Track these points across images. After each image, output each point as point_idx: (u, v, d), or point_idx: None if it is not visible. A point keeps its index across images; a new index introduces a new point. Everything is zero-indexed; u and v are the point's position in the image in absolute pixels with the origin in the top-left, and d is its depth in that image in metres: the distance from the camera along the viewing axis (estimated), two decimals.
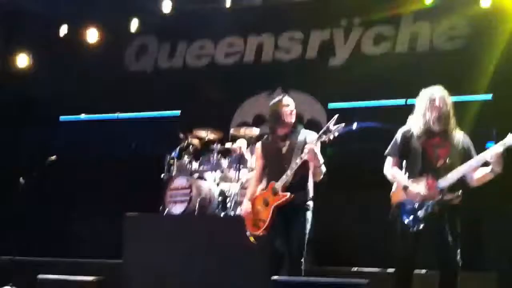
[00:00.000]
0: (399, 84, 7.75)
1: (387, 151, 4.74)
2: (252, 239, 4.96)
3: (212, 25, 9.10)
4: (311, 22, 8.89)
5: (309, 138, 4.89)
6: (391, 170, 4.66)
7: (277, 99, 5.10)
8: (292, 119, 4.98)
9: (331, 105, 8.38)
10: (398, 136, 4.71)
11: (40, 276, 6.60)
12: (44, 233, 8.28)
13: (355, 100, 8.19)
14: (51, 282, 6.59)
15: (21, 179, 7.34)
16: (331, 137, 4.70)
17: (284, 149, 4.91)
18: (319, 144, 4.77)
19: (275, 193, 4.81)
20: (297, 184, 4.82)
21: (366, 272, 5.89)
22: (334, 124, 4.71)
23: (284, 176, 4.78)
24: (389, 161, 4.71)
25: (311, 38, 8.92)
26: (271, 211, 4.80)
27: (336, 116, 4.77)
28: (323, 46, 8.82)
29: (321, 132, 4.74)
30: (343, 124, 4.72)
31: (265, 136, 5.21)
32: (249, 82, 8.95)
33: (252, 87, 8.94)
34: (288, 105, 4.99)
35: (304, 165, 4.81)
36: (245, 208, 5.01)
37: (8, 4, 9.72)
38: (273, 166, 4.95)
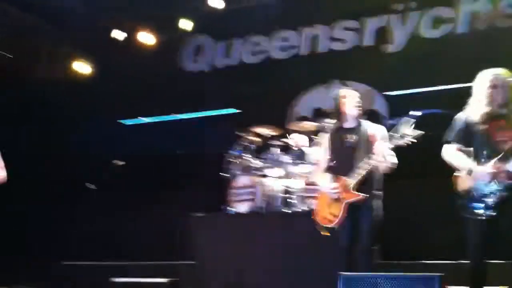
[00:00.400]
0: (460, 67, 7.50)
1: (447, 137, 4.61)
2: (324, 232, 4.92)
3: (266, 20, 9.08)
4: (366, 10, 8.72)
5: (375, 131, 4.87)
6: (453, 155, 4.52)
7: (338, 91, 5.04)
8: (355, 111, 4.91)
9: (391, 93, 8.21)
10: (458, 120, 4.57)
11: (113, 279, 6.79)
12: (112, 236, 8.49)
13: (415, 87, 7.99)
14: (124, 285, 6.77)
15: (88, 184, 7.56)
16: (409, 143, 4.60)
17: (350, 142, 4.87)
18: (389, 144, 4.68)
19: (346, 190, 4.77)
20: (367, 182, 4.79)
21: (438, 264, 5.73)
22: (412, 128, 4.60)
23: (355, 175, 4.75)
24: (449, 147, 4.57)
25: (367, 26, 8.77)
26: (343, 207, 4.79)
27: (413, 121, 4.64)
28: (380, 33, 8.65)
29: (396, 135, 4.63)
30: (422, 132, 4.61)
31: (331, 128, 5.16)
32: (305, 76, 8.88)
33: (309, 81, 8.87)
34: (350, 96, 4.91)
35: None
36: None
37: (69, 13, 10.01)
38: (340, 159, 4.92)
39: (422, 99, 7.69)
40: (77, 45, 10.19)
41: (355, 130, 4.89)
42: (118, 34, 9.88)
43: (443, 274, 4.14)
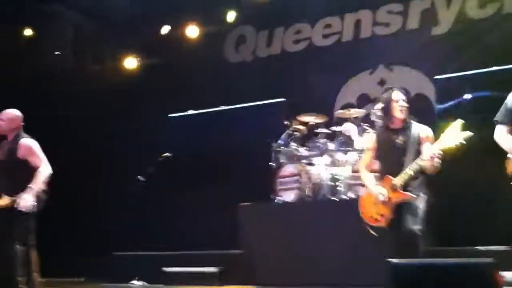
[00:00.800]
0: (509, 47, 7.29)
1: (497, 118, 4.50)
2: (372, 232, 4.90)
3: (307, 7, 9.02)
4: None
5: (424, 133, 4.83)
6: (504, 138, 4.40)
7: (387, 93, 5.00)
8: (403, 115, 4.87)
9: (438, 77, 8.04)
10: (510, 101, 4.44)
11: (165, 268, 6.94)
12: (163, 227, 8.64)
13: (463, 70, 7.79)
14: (175, 274, 6.92)
15: (139, 177, 7.70)
16: (458, 144, 4.53)
17: (398, 143, 4.85)
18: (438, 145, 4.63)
19: (394, 189, 4.74)
20: (415, 182, 4.76)
21: (490, 251, 5.61)
22: (461, 130, 4.53)
23: (403, 175, 4.71)
24: (500, 128, 4.46)
25: (411, 8, 8.59)
26: (391, 207, 4.76)
27: (460, 121, 4.56)
28: (425, 15, 8.46)
29: (445, 137, 4.57)
30: (471, 134, 4.52)
31: (379, 126, 5.17)
32: (349, 62, 8.79)
33: (353, 67, 8.78)
34: (398, 101, 4.89)
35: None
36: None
37: (115, 8, 10.20)
38: (387, 159, 4.91)
39: (471, 82, 7.50)
40: (125, 40, 10.37)
41: (403, 131, 4.87)
42: (165, 28, 10.01)
43: (495, 260, 4.05)
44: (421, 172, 4.74)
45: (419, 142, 4.79)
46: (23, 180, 5.27)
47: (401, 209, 4.73)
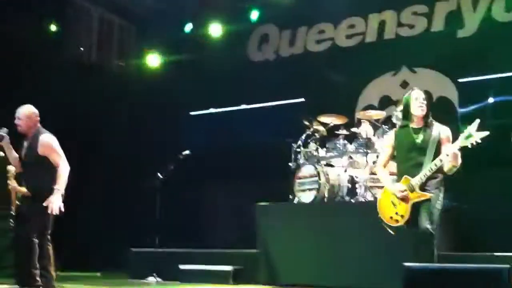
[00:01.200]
0: None
1: None
2: (391, 231, 4.86)
3: (331, 7, 8.96)
4: None
5: (443, 132, 4.78)
6: None
7: (407, 93, 4.95)
8: (421, 112, 4.84)
9: (462, 80, 7.93)
10: None
11: (182, 266, 6.96)
12: (181, 224, 8.67)
13: (488, 73, 7.67)
14: (191, 272, 6.93)
15: (158, 174, 7.73)
16: (474, 143, 4.47)
17: (418, 142, 4.81)
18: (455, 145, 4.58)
19: (412, 190, 4.71)
20: (433, 183, 4.71)
21: (507, 257, 5.50)
22: (477, 130, 4.47)
23: (422, 175, 4.69)
24: None
25: (436, 10, 8.48)
26: (409, 207, 4.73)
27: (477, 121, 4.50)
28: (450, 17, 8.35)
29: (462, 137, 4.52)
30: (487, 133, 4.47)
31: (398, 125, 5.10)
32: (372, 63, 8.71)
33: (375, 68, 8.70)
34: (417, 98, 4.86)
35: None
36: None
37: (138, 6, 10.28)
38: (406, 158, 4.86)
39: (495, 85, 7.38)
40: (148, 38, 10.43)
41: (423, 130, 4.84)
42: (188, 26, 10.05)
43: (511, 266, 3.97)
44: (439, 171, 4.70)
45: (439, 143, 4.76)
46: (44, 177, 5.33)
47: (418, 209, 4.71)
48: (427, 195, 4.67)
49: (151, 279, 7.41)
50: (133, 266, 7.88)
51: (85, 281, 7.30)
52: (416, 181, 4.69)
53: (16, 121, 5.44)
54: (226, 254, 7.30)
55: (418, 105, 4.84)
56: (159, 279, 7.37)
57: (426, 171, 4.67)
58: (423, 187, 4.69)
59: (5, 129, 5.41)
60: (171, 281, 7.15)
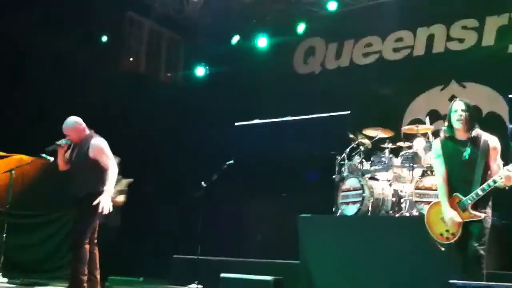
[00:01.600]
0: None
1: None
2: (442, 248, 4.74)
3: (379, 20, 8.92)
4: (486, 8, 8.31)
5: (492, 143, 4.62)
6: None
7: (452, 103, 4.82)
8: (459, 125, 4.65)
9: None
10: None
11: (223, 274, 6.97)
12: (223, 233, 8.70)
13: None
14: (232, 281, 6.92)
15: (202, 183, 7.79)
16: None
17: (465, 156, 4.63)
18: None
19: (464, 209, 4.56)
20: (484, 201, 4.57)
21: None
22: None
23: (474, 195, 4.52)
24: None
25: (487, 24, 8.35)
26: (461, 226, 4.57)
27: None
28: (501, 32, 8.20)
29: None
30: None
31: (444, 137, 4.89)
32: (420, 77, 8.63)
33: (423, 82, 8.60)
34: (456, 110, 4.68)
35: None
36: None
37: (186, 19, 10.47)
38: (454, 174, 4.68)
39: None
40: (196, 50, 10.59)
41: (470, 144, 4.65)
42: (235, 38, 10.17)
43: None
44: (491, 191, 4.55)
45: (487, 155, 4.58)
46: (94, 180, 5.45)
47: (468, 228, 4.57)
48: (479, 215, 4.52)
49: (192, 286, 7.45)
50: (174, 273, 7.94)
51: (128, 286, 7.39)
52: (469, 200, 4.53)
53: (66, 136, 5.63)
54: (267, 264, 7.29)
55: (456, 118, 4.66)
56: (200, 287, 7.41)
57: (478, 191, 4.50)
58: (475, 206, 4.54)
59: (63, 141, 5.59)
60: None
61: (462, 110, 4.66)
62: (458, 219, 4.56)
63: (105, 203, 5.37)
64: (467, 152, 4.62)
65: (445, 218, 4.63)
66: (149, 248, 8.49)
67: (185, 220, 8.48)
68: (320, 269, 6.59)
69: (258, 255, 7.62)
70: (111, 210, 5.47)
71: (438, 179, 4.80)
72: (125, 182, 7.48)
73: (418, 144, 7.05)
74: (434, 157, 4.91)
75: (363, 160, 7.26)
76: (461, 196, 4.57)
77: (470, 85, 8.31)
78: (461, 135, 4.69)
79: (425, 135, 7.14)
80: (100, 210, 5.34)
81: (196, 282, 7.47)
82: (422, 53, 8.85)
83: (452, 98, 8.26)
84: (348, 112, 8.49)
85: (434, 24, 8.79)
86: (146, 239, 8.52)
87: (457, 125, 4.67)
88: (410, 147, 7.01)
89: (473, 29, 8.45)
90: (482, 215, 4.52)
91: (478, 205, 4.54)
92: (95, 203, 5.32)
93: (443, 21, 8.69)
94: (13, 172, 6.85)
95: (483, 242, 4.52)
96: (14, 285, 6.41)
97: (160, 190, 9.63)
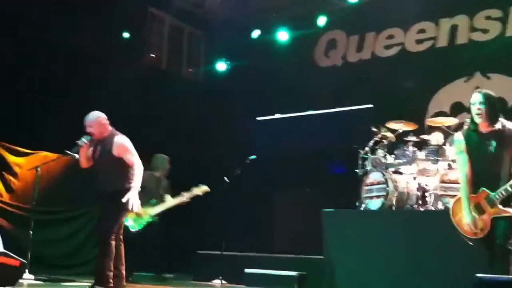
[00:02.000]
0: None
1: None
2: (470, 242, 4.68)
3: (401, 12, 8.82)
4: None
5: None
6: None
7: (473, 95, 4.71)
8: (479, 119, 4.54)
9: None
10: None
11: (247, 270, 6.99)
12: (246, 228, 8.71)
13: None
14: (256, 276, 6.94)
15: (225, 178, 7.81)
16: None
17: (490, 149, 4.53)
18: None
19: (492, 204, 4.47)
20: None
21: None
22: None
23: (502, 191, 4.41)
24: None
25: (511, 14, 8.20)
26: (489, 222, 4.50)
27: None
28: None
29: None
30: None
31: (468, 130, 4.78)
32: (443, 69, 8.52)
33: (447, 74, 8.50)
34: (474, 103, 4.56)
35: None
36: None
37: (206, 13, 10.47)
38: (480, 168, 4.58)
39: None
40: (217, 45, 10.58)
41: (494, 137, 4.54)
42: (255, 32, 10.15)
43: None
44: None
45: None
46: (119, 177, 5.49)
47: (495, 224, 4.49)
48: (509, 211, 4.42)
49: (216, 281, 7.49)
50: (198, 268, 7.98)
51: (152, 282, 7.46)
52: (497, 196, 4.43)
53: (88, 129, 5.62)
54: (291, 260, 7.29)
55: (474, 112, 4.53)
56: (224, 282, 7.44)
57: (508, 187, 4.39)
58: (504, 202, 4.43)
59: (83, 139, 5.61)
60: (236, 285, 7.20)
61: (480, 103, 4.52)
62: (476, 227, 4.51)
63: (134, 200, 5.41)
64: (492, 146, 4.51)
65: (464, 221, 4.57)
66: (173, 244, 8.52)
67: (209, 215, 8.49)
68: (344, 264, 6.56)
69: (282, 250, 7.62)
70: (140, 207, 5.51)
71: (461, 177, 4.70)
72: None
73: (441, 137, 6.97)
74: (456, 153, 4.81)
75: (387, 153, 7.20)
76: (488, 191, 4.47)
77: (494, 76, 8.19)
78: (484, 128, 4.57)
79: (449, 127, 7.07)
80: (129, 207, 5.38)
81: (220, 277, 7.52)
82: (445, 44, 8.74)
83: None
84: (371, 105, 8.41)
85: (457, 15, 8.67)
86: (170, 235, 8.52)
87: (477, 119, 4.56)
88: (433, 141, 6.93)
89: (497, 19, 8.32)
90: (511, 211, 4.44)
91: (507, 202, 4.44)
92: (123, 200, 5.35)
93: (466, 12, 8.56)
94: (38, 169, 6.92)
95: (510, 237, 4.45)
96: (41, 282, 6.49)
97: (181, 185, 9.65)
